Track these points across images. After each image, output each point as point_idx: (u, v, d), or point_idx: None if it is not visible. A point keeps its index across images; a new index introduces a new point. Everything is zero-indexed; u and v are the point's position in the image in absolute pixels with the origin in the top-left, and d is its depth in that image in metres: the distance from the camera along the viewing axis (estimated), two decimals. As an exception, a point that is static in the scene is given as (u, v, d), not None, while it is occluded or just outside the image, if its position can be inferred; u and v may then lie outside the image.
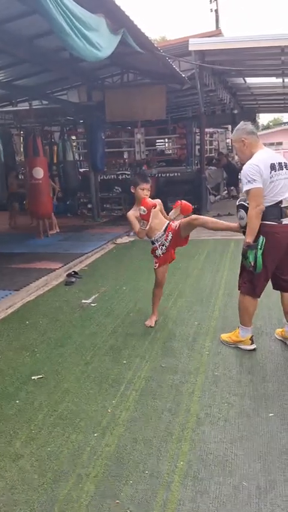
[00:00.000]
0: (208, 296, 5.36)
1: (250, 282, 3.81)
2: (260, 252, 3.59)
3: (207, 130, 14.24)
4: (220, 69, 11.78)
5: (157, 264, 4.56)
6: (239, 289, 3.97)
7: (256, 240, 3.60)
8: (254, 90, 16.08)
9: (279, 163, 3.65)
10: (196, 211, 12.10)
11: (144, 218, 4.23)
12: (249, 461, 2.57)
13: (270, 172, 3.58)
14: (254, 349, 3.94)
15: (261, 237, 3.60)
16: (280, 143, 40.26)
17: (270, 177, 3.57)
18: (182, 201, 4.58)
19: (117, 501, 2.31)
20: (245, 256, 3.68)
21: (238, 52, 10.83)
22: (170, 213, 4.63)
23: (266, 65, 12.09)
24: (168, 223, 4.57)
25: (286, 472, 2.47)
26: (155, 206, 4.28)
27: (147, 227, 4.33)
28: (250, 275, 3.78)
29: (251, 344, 3.95)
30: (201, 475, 2.47)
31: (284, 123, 44.74)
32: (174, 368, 3.66)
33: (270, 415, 2.99)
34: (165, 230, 4.53)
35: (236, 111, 17.93)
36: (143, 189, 4.47)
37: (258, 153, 3.69)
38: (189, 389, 3.33)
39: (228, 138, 19.99)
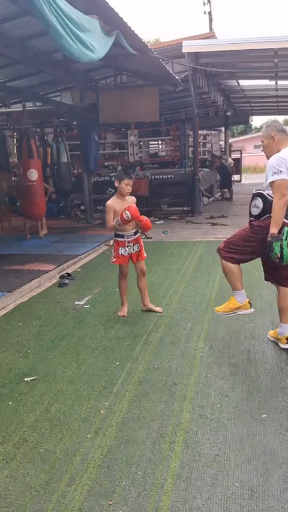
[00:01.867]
0: (201, 298, 5.37)
1: (234, 253, 3.91)
2: (285, 243, 3.59)
3: (200, 132, 14.28)
4: (213, 71, 11.84)
5: (115, 260, 4.86)
6: (218, 252, 4.06)
7: (281, 230, 3.61)
8: (247, 93, 16.17)
9: None
10: (189, 213, 12.18)
11: (123, 221, 4.57)
12: (242, 462, 2.57)
13: None
14: (252, 312, 4.06)
15: (286, 227, 3.62)
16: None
17: None
18: (144, 218, 4.72)
19: (110, 502, 2.31)
20: (270, 248, 3.65)
21: (231, 54, 10.90)
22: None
23: (259, 67, 12.17)
24: (139, 233, 4.89)
25: (278, 473, 2.48)
26: (138, 216, 4.57)
27: (120, 227, 4.67)
28: (239, 248, 3.88)
29: (250, 308, 3.98)
30: (194, 476, 2.47)
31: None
32: (167, 369, 3.67)
33: (263, 416, 3.00)
34: (135, 233, 4.82)
35: (229, 113, 18.02)
36: (127, 184, 4.68)
37: (285, 149, 3.73)
38: (182, 391, 3.34)
39: (222, 140, 20.10)
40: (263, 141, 3.91)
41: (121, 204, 4.68)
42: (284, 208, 3.61)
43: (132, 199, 4.85)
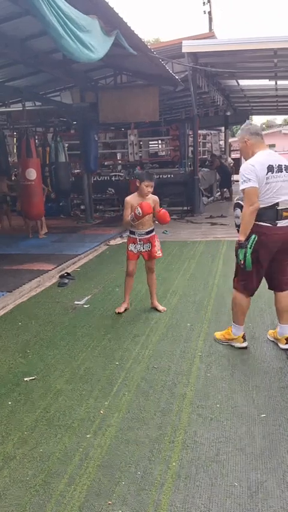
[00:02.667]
0: (201, 297, 5.37)
1: (244, 280, 3.86)
2: (249, 251, 3.63)
3: (200, 132, 14.28)
4: (213, 71, 11.84)
5: (128, 255, 4.98)
6: (233, 287, 4.00)
7: (248, 238, 3.64)
8: (247, 92, 16.16)
9: (279, 166, 3.66)
10: (189, 212, 12.18)
11: (136, 217, 4.66)
12: (241, 462, 2.58)
13: (267, 174, 3.59)
14: (245, 347, 3.98)
15: (253, 236, 3.63)
16: (273, 145, 40.42)
17: (266, 178, 3.59)
18: (163, 209, 4.90)
19: (110, 502, 2.32)
20: (236, 254, 3.75)
21: (231, 54, 10.89)
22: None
23: (258, 67, 12.16)
24: (154, 233, 4.96)
25: (278, 473, 2.48)
26: (150, 213, 4.69)
27: (135, 223, 4.77)
28: (245, 274, 3.82)
29: (243, 342, 3.99)
30: (193, 475, 2.48)
31: (277, 126, 44.98)
32: (167, 369, 3.67)
33: (263, 416, 3.00)
34: (148, 233, 4.90)
35: (229, 113, 18.01)
36: (147, 186, 4.80)
37: (258, 154, 3.72)
38: (182, 391, 3.34)
39: (222, 140, 20.10)
40: (238, 145, 3.94)
41: (138, 201, 4.77)
42: (252, 216, 3.62)
43: (154, 198, 4.93)
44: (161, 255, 5.04)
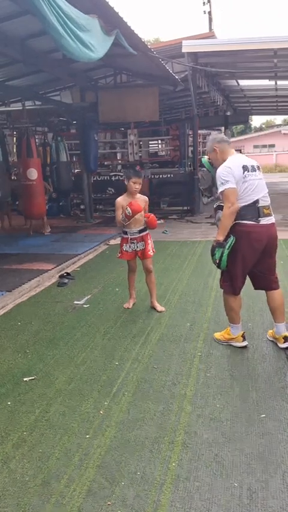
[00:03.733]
0: (200, 297, 5.37)
1: (229, 281, 3.92)
2: (226, 252, 3.71)
3: (200, 132, 14.28)
4: (213, 71, 11.83)
5: (120, 255, 5.09)
6: (221, 288, 4.07)
7: (226, 239, 3.72)
8: (247, 92, 16.16)
9: (252, 166, 3.80)
10: (189, 212, 12.18)
11: (127, 217, 4.73)
12: (241, 462, 2.57)
13: (243, 172, 3.71)
14: (245, 346, 3.99)
15: (232, 237, 3.71)
16: (272, 145, 40.47)
17: (244, 177, 3.70)
18: (151, 215, 4.95)
19: (109, 503, 2.31)
20: (212, 253, 3.83)
21: (231, 54, 10.89)
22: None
23: (258, 67, 12.16)
24: (147, 231, 5.04)
25: (277, 473, 2.48)
26: (140, 211, 4.74)
27: (126, 223, 4.84)
28: (228, 274, 3.89)
29: (243, 341, 4.00)
30: (192, 476, 2.47)
31: (277, 126, 44.98)
32: (167, 369, 3.67)
33: (262, 416, 3.00)
34: (140, 231, 4.96)
35: (229, 113, 18.02)
36: (135, 183, 4.84)
37: (230, 157, 3.84)
38: (181, 391, 3.34)
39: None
40: (209, 158, 4.07)
41: (129, 201, 4.83)
42: (231, 217, 3.70)
43: (144, 198, 5.02)
44: (152, 254, 5.07)
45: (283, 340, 3.94)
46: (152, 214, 4.96)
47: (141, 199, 4.95)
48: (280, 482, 2.40)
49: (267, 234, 3.76)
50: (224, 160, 3.82)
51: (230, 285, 3.92)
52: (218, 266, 3.83)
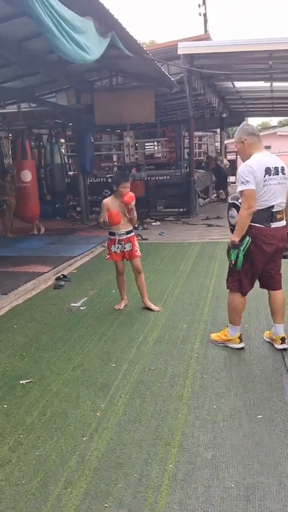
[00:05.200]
0: (197, 299, 5.37)
1: (238, 281, 3.88)
2: (242, 253, 3.67)
3: (196, 133, 14.31)
4: (209, 73, 11.86)
5: (108, 256, 5.17)
6: (227, 288, 4.02)
7: (242, 240, 3.67)
8: (243, 94, 16.19)
9: (276, 168, 3.66)
10: (185, 214, 12.19)
11: (104, 224, 4.93)
12: (238, 463, 2.57)
13: (264, 176, 3.60)
14: (242, 348, 3.98)
15: (247, 237, 3.66)
16: (268, 147, 40.55)
17: (264, 181, 3.60)
18: (125, 195, 4.89)
19: (106, 505, 2.30)
20: (228, 253, 3.80)
21: (226, 56, 10.92)
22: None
23: (254, 69, 12.19)
24: (133, 233, 5.12)
25: (274, 474, 2.47)
26: (118, 223, 4.88)
27: (106, 227, 5.01)
28: (238, 274, 3.85)
29: (240, 343, 3.99)
30: (190, 477, 2.47)
31: (272, 127, 45.12)
32: (163, 371, 3.66)
33: (259, 417, 3.00)
34: (128, 233, 5.02)
35: (224, 115, 18.04)
36: (124, 188, 4.89)
37: (256, 155, 3.71)
38: (178, 393, 3.33)
39: (217, 142, 20.13)
40: (236, 146, 3.94)
41: (116, 204, 4.92)
42: (248, 218, 3.64)
43: (130, 195, 4.98)
44: (140, 254, 5.10)
45: (280, 341, 3.94)
46: (128, 194, 4.86)
47: (128, 196, 4.94)
48: (277, 483, 2.40)
49: (277, 237, 3.72)
50: (251, 155, 3.71)
51: (238, 285, 3.89)
52: (234, 266, 3.77)
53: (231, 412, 3.06)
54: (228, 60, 11.38)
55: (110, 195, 5.20)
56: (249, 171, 3.59)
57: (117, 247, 5.02)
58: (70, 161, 14.26)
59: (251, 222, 3.66)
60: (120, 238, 5.00)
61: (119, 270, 5.17)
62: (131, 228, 5.06)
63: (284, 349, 3.91)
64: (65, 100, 12.01)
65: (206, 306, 5.12)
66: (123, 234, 5.00)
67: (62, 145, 13.53)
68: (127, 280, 5.26)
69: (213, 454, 2.65)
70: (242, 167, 3.69)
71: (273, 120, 46.65)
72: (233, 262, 3.74)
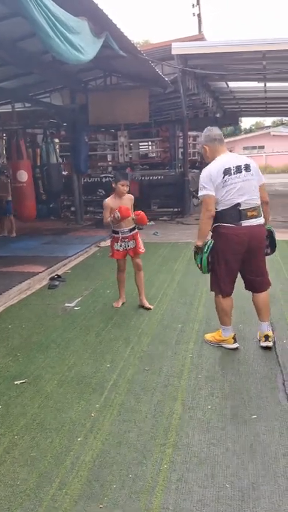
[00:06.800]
0: (191, 299, 5.38)
1: (216, 282, 3.96)
2: (205, 256, 3.79)
3: (190, 133, 14.32)
4: (202, 73, 11.89)
5: (111, 254, 5.21)
6: (211, 291, 4.10)
7: (205, 243, 3.80)
8: (236, 94, 16.24)
9: (238, 167, 3.73)
10: (179, 214, 12.20)
11: (115, 221, 4.88)
12: (233, 463, 2.58)
13: (224, 177, 3.69)
14: (236, 348, 4.00)
15: (210, 240, 3.79)
16: (262, 147, 40.71)
17: (224, 181, 3.69)
18: (141, 212, 5.08)
19: (101, 505, 2.31)
20: (194, 257, 3.95)
21: (220, 56, 10.95)
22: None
23: (248, 70, 12.23)
24: (136, 230, 5.15)
25: (269, 474, 2.48)
26: (128, 216, 4.88)
27: (115, 225, 4.99)
28: (216, 276, 3.93)
29: (234, 343, 4.01)
30: (184, 478, 2.47)
31: (266, 127, 45.24)
32: (158, 371, 3.67)
33: (253, 417, 3.01)
34: (131, 230, 5.08)
35: (218, 115, 18.09)
36: (123, 185, 4.99)
37: (217, 158, 3.82)
38: (173, 393, 3.34)
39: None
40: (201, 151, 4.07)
41: (118, 202, 4.96)
42: (208, 222, 3.76)
43: (129, 197, 5.12)
44: (143, 250, 5.18)
45: (264, 338, 3.98)
46: (142, 212, 5.06)
47: (128, 199, 5.09)
48: (272, 483, 2.41)
49: (249, 235, 3.73)
50: (213, 159, 3.81)
51: (218, 287, 3.95)
52: (201, 270, 3.94)
53: (226, 412, 3.07)
54: (222, 60, 11.41)
55: (104, 195, 5.25)
56: (208, 177, 3.72)
57: (121, 245, 5.09)
58: (63, 161, 14.20)
59: (220, 222, 3.75)
60: (123, 236, 5.07)
61: (120, 268, 5.24)
62: (134, 225, 5.12)
63: (267, 347, 3.94)
64: (60, 100, 12.01)
65: (200, 305, 5.13)
66: (126, 232, 5.07)
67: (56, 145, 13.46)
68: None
69: (207, 455, 2.66)
70: (202, 173, 3.83)
71: (267, 120, 46.80)
72: (199, 266, 3.89)
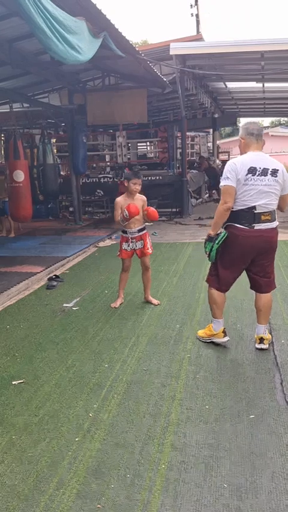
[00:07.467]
0: (190, 299, 5.38)
1: (216, 276, 3.95)
2: (216, 246, 3.77)
3: (188, 134, 14.34)
4: (201, 73, 11.89)
5: (119, 253, 5.21)
6: (206, 281, 4.11)
7: (218, 233, 3.77)
8: (235, 95, 16.23)
9: (264, 169, 3.62)
10: (178, 214, 12.21)
11: (124, 219, 4.88)
12: (230, 463, 2.58)
13: (247, 175, 3.61)
14: (227, 341, 4.04)
15: (223, 232, 3.75)
16: (260, 147, 40.70)
17: (245, 180, 3.61)
18: (151, 207, 5.07)
19: (99, 505, 2.31)
20: (204, 245, 3.91)
21: (219, 57, 10.95)
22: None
23: (246, 70, 12.22)
24: (145, 231, 5.16)
25: (266, 474, 2.49)
26: (137, 215, 4.87)
27: (124, 224, 5.00)
28: (216, 269, 3.93)
29: (224, 337, 4.04)
30: (182, 478, 2.47)
31: (265, 128, 45.29)
32: (156, 371, 3.67)
33: (251, 417, 3.01)
34: (139, 231, 5.10)
35: (217, 115, 18.07)
36: (135, 184, 5.00)
37: (247, 154, 3.75)
38: (171, 393, 3.34)
39: (210, 142, 20.17)
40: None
41: (129, 202, 4.97)
42: (224, 214, 3.70)
43: (142, 197, 5.13)
44: (151, 251, 5.21)
45: (259, 341, 3.99)
46: (151, 208, 5.06)
47: (140, 199, 5.09)
48: (269, 483, 2.42)
49: (260, 239, 3.69)
50: (245, 153, 3.76)
51: (216, 280, 3.95)
52: (209, 258, 3.91)
53: (223, 412, 3.07)
54: (220, 60, 11.41)
55: (102, 195, 5.26)
56: (232, 168, 3.65)
57: (129, 245, 5.12)
58: (61, 161, 14.20)
59: (233, 222, 3.71)
60: (132, 236, 5.09)
61: (125, 267, 5.24)
62: (143, 225, 5.14)
63: (261, 349, 3.95)
64: (58, 100, 12.00)
65: (198, 306, 5.13)
66: (135, 232, 5.09)
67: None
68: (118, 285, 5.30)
69: (205, 454, 2.66)
70: (227, 163, 3.78)
71: (266, 121, 46.84)
72: (207, 253, 3.87)
